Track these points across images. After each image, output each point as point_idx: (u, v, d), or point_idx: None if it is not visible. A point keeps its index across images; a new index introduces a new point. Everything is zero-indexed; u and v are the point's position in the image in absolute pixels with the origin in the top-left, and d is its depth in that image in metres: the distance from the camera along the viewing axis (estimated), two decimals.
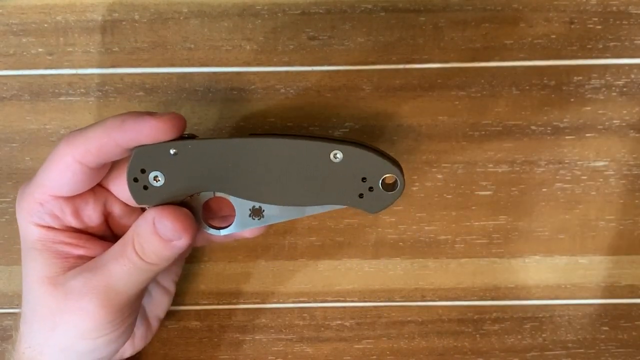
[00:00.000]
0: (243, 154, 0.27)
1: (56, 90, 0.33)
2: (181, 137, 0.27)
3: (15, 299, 0.37)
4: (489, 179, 0.35)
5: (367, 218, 0.36)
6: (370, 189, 0.28)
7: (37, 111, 0.34)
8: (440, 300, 0.37)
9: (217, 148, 0.27)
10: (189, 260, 0.36)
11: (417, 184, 0.35)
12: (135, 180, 0.28)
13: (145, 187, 0.28)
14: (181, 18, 0.33)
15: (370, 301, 0.37)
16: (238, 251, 0.36)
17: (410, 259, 0.36)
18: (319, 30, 0.33)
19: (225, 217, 0.31)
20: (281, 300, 0.37)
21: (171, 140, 0.27)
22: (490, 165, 0.35)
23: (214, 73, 0.33)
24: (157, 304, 0.34)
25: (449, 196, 0.35)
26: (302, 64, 0.33)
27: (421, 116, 0.34)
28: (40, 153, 0.34)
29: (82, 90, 0.34)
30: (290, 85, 0.33)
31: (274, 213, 0.29)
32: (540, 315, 0.37)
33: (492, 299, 0.37)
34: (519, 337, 0.38)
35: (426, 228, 0.36)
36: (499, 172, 0.35)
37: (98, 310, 0.28)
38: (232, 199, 0.29)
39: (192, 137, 0.28)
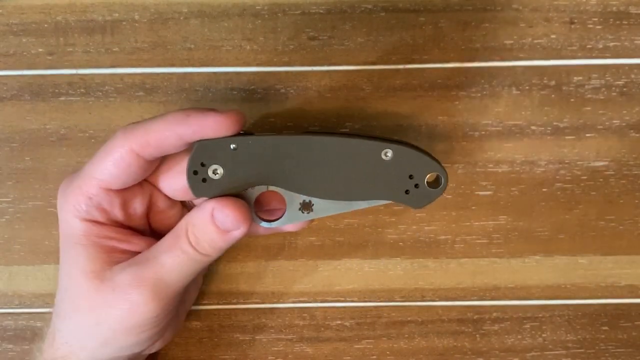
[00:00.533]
0: (299, 150, 0.29)
1: (56, 90, 0.33)
2: (239, 133, 0.28)
3: (15, 298, 0.37)
4: (489, 179, 0.35)
5: (367, 218, 0.36)
6: (416, 185, 0.29)
7: (37, 111, 0.34)
8: (440, 300, 0.37)
9: (274, 144, 0.28)
10: None
11: None
12: (195, 172, 0.29)
13: (204, 180, 0.29)
14: (181, 18, 0.33)
15: (370, 301, 0.37)
16: (238, 251, 0.36)
17: (410, 259, 0.36)
18: (319, 30, 0.33)
19: (272, 210, 0.32)
20: (281, 300, 0.37)
21: (232, 136, 0.28)
22: (490, 165, 0.35)
23: (214, 73, 0.33)
24: (189, 297, 0.34)
25: (449, 196, 0.35)
26: (302, 64, 0.33)
27: (421, 116, 0.34)
28: (40, 153, 0.34)
29: (82, 90, 0.34)
30: (290, 85, 0.33)
31: (323, 207, 0.30)
32: (540, 315, 0.37)
33: (492, 299, 0.37)
34: (519, 337, 0.38)
35: (426, 228, 0.36)
36: (499, 172, 0.35)
37: (148, 302, 0.28)
38: (284, 193, 0.30)
39: (249, 133, 0.29)
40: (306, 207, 0.30)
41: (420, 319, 0.37)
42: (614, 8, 0.33)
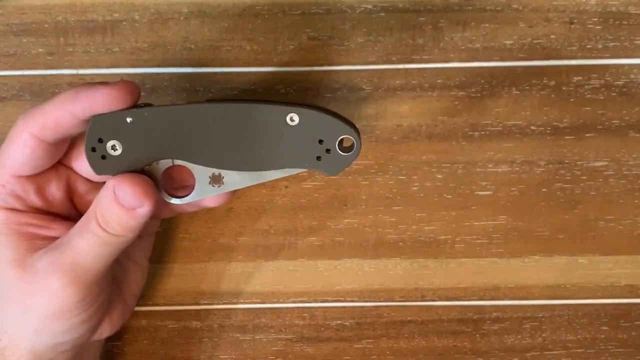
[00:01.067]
0: (200, 119, 0.27)
1: (56, 90, 0.33)
2: (137, 106, 0.28)
3: None
4: (489, 179, 0.35)
5: (367, 218, 0.36)
6: (328, 151, 0.28)
7: None
8: (440, 300, 0.37)
9: (173, 114, 0.27)
10: (189, 261, 0.36)
11: (417, 184, 0.35)
12: (94, 150, 0.28)
13: (104, 157, 0.28)
14: (181, 18, 0.33)
15: (370, 301, 0.37)
16: (238, 251, 0.36)
17: (410, 259, 0.36)
18: (319, 30, 0.33)
19: (189, 187, 0.31)
20: (281, 300, 0.37)
21: (127, 108, 0.27)
22: (490, 165, 0.35)
23: (214, 73, 0.33)
24: (132, 281, 0.34)
25: (449, 196, 0.35)
26: (302, 64, 0.33)
27: (421, 116, 0.34)
28: None
29: None
30: (290, 85, 0.33)
31: (233, 179, 0.29)
32: (540, 315, 0.37)
33: (492, 299, 0.37)
34: (519, 337, 0.38)
35: (426, 228, 0.36)
36: (499, 172, 0.35)
37: (66, 288, 0.28)
38: (190, 166, 0.29)
39: (148, 104, 0.28)
40: (216, 180, 0.29)
41: (420, 319, 0.37)
42: (614, 8, 0.33)
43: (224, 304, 0.37)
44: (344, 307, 0.37)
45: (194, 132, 0.28)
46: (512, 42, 0.33)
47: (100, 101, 0.27)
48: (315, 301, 0.37)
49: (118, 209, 0.28)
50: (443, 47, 0.33)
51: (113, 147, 0.28)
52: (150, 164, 0.29)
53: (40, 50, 0.33)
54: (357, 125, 0.29)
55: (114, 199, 0.27)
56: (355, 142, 0.28)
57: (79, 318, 0.29)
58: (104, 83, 0.27)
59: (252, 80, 0.33)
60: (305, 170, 0.29)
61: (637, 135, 0.34)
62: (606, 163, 0.35)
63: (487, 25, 0.33)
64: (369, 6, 0.32)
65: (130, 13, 0.33)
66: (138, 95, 0.27)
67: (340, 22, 0.33)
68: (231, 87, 0.33)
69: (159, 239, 0.36)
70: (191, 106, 0.28)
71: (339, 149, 0.28)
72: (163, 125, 0.28)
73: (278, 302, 0.37)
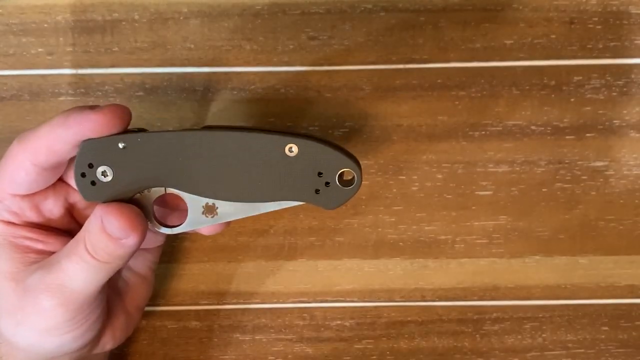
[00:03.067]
0: (195, 147, 0.27)
1: (56, 90, 0.33)
2: (131, 131, 0.27)
3: None
4: (489, 179, 0.35)
5: (367, 218, 0.36)
6: (327, 184, 0.27)
7: (37, 111, 0.34)
8: (440, 300, 0.37)
9: (167, 141, 0.26)
10: (189, 261, 0.36)
11: (417, 184, 0.35)
12: (83, 175, 0.27)
13: (93, 183, 0.27)
14: (181, 18, 0.33)
15: (370, 301, 0.37)
16: (238, 251, 0.36)
17: (410, 259, 0.36)
18: (319, 30, 0.33)
19: (182, 212, 0.30)
20: (281, 300, 0.37)
21: (120, 133, 0.27)
22: (490, 165, 0.35)
23: (214, 73, 0.33)
24: (136, 294, 0.33)
25: (449, 196, 0.35)
26: (302, 64, 0.33)
27: (421, 116, 0.34)
28: None
29: (82, 90, 0.33)
30: (290, 85, 0.33)
31: (228, 210, 0.28)
32: (540, 316, 0.37)
33: (492, 299, 0.37)
34: (519, 337, 0.37)
35: (426, 228, 0.36)
36: (499, 172, 0.35)
37: (55, 308, 0.27)
38: (184, 195, 0.28)
39: (142, 130, 0.28)
40: (209, 210, 0.28)
41: (420, 319, 0.37)
42: (614, 8, 0.33)
43: (223, 304, 0.37)
44: (344, 307, 0.37)
45: (188, 160, 0.27)
46: (512, 41, 0.33)
47: (89, 127, 0.26)
48: (315, 301, 0.37)
49: (105, 238, 0.27)
50: (443, 47, 0.33)
51: (104, 173, 0.27)
52: (141, 192, 0.28)
53: (40, 50, 0.33)
54: (359, 160, 0.28)
55: (101, 227, 0.27)
56: (355, 176, 0.27)
57: (70, 335, 0.28)
58: (93, 107, 0.26)
59: (252, 80, 0.33)
60: (302, 203, 0.28)
61: (637, 135, 0.34)
62: (606, 163, 0.35)
63: (487, 25, 0.33)
64: (369, 6, 0.32)
65: (130, 13, 0.33)
66: (129, 120, 0.27)
67: (340, 22, 0.33)
68: (231, 87, 0.33)
69: None
70: (186, 133, 0.27)
71: (339, 182, 0.27)
72: (156, 152, 0.27)
73: (278, 302, 0.37)
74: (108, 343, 0.32)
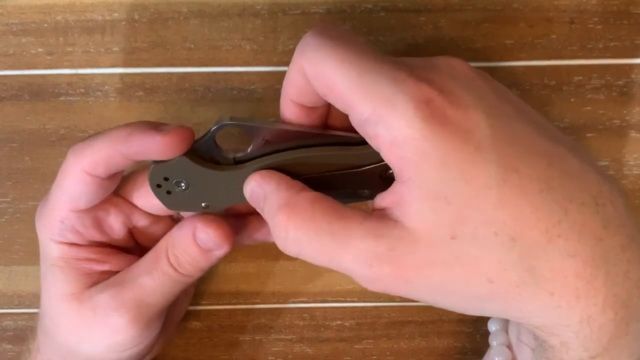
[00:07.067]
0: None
1: (56, 90, 0.33)
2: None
3: (14, 298, 0.37)
4: None
5: None
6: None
7: (36, 111, 0.34)
8: None
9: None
10: None
11: None
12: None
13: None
14: (181, 18, 0.33)
15: (370, 301, 0.37)
16: (238, 251, 0.36)
17: None
18: None
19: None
20: (281, 300, 0.37)
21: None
22: None
23: (214, 73, 0.33)
24: (179, 308, 0.34)
25: None
26: None
27: None
28: (40, 153, 0.34)
29: (82, 90, 0.33)
30: None
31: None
32: None
33: None
34: None
35: None
36: None
37: (129, 325, 0.28)
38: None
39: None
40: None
41: (420, 319, 0.37)
42: (614, 8, 0.33)
43: (223, 304, 0.37)
44: (344, 307, 0.37)
45: None
46: (512, 41, 0.33)
47: (152, 149, 0.26)
48: (315, 301, 0.37)
49: (195, 250, 0.28)
50: (443, 47, 0.33)
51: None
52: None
53: (40, 50, 0.33)
54: None
55: (193, 240, 0.27)
56: None
57: (130, 352, 0.29)
58: (157, 127, 0.26)
59: (252, 80, 0.33)
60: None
61: (637, 135, 0.34)
62: (607, 163, 0.35)
63: (487, 25, 0.33)
64: (369, 6, 0.32)
65: (129, 13, 0.33)
66: (192, 140, 0.26)
67: (340, 22, 0.33)
68: (231, 87, 0.33)
69: None
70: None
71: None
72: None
73: (278, 302, 0.37)
74: (147, 357, 0.32)
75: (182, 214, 0.30)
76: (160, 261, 0.28)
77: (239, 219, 0.31)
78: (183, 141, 0.26)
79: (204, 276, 0.36)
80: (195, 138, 0.27)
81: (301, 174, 0.26)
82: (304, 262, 0.36)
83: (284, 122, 0.27)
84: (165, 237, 0.28)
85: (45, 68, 0.33)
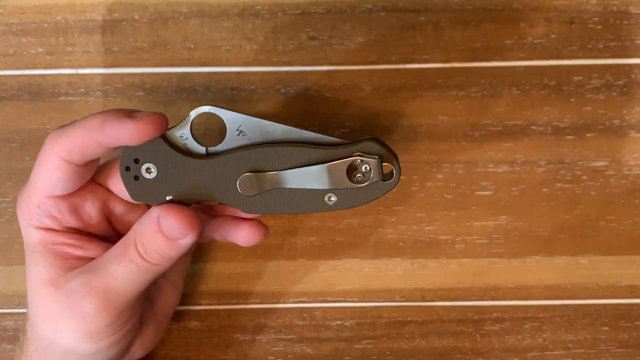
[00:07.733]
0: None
1: (56, 90, 0.33)
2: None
3: (15, 298, 0.37)
4: (489, 179, 0.35)
5: (367, 218, 0.36)
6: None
7: (36, 111, 0.34)
8: (440, 300, 0.37)
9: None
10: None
11: (417, 184, 0.35)
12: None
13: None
14: (181, 18, 0.33)
15: (370, 301, 0.37)
16: (238, 251, 0.36)
17: (410, 259, 0.36)
18: (319, 30, 0.33)
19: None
20: (281, 300, 0.37)
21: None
22: (490, 165, 0.35)
23: (214, 73, 0.33)
24: (166, 301, 0.34)
25: (449, 196, 0.35)
26: (302, 64, 0.33)
27: (421, 116, 0.34)
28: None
29: (82, 90, 0.34)
30: (290, 85, 0.33)
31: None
32: (540, 316, 0.37)
33: (492, 299, 0.37)
34: (519, 337, 0.37)
35: (426, 228, 0.36)
36: (499, 172, 0.35)
37: (98, 312, 0.28)
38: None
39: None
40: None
41: (420, 319, 0.37)
42: (614, 8, 0.33)
43: (223, 304, 0.37)
44: (344, 307, 0.37)
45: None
46: (512, 41, 0.33)
47: (127, 136, 0.26)
48: (315, 301, 0.37)
49: (160, 239, 0.27)
50: (443, 47, 0.33)
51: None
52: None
53: (40, 50, 0.33)
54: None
55: (157, 228, 0.27)
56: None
57: (107, 341, 0.29)
58: (130, 115, 0.26)
59: (252, 80, 0.33)
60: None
61: (637, 135, 0.34)
62: (607, 163, 0.35)
63: (487, 25, 0.33)
64: (369, 6, 0.32)
65: (129, 13, 0.33)
66: (166, 127, 0.27)
67: (340, 22, 0.33)
68: (231, 87, 0.33)
69: None
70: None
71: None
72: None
73: (278, 302, 0.37)
74: (137, 352, 0.32)
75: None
76: (128, 249, 0.28)
77: (209, 213, 0.31)
78: (156, 127, 0.26)
79: (204, 276, 0.36)
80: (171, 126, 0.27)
81: (270, 169, 0.27)
82: (304, 262, 0.37)
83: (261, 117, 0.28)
84: (135, 225, 0.28)
85: (45, 68, 0.33)
